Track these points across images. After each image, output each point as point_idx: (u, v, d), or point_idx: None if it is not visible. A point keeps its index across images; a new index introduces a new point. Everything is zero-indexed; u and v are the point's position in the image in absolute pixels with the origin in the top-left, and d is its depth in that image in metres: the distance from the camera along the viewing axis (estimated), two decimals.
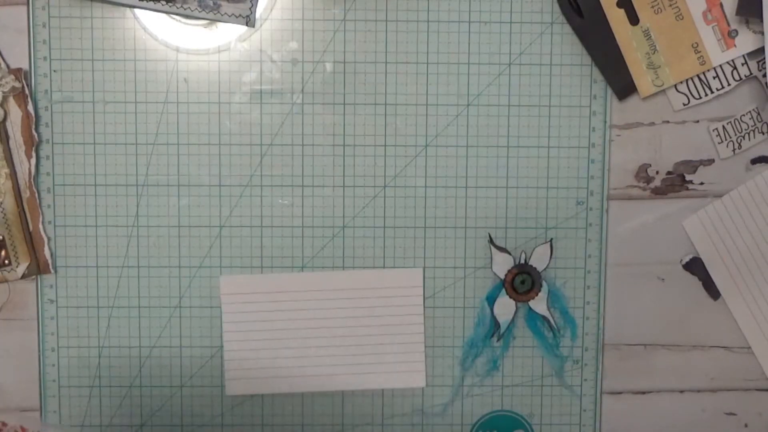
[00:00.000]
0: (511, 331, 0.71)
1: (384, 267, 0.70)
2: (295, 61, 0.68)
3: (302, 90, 0.68)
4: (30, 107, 0.66)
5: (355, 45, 0.68)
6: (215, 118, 0.68)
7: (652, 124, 0.70)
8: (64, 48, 0.67)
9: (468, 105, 0.69)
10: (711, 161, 0.70)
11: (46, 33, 0.67)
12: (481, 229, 0.70)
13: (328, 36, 0.68)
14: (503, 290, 0.70)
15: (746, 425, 0.73)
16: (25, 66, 0.67)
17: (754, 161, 0.70)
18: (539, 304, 0.70)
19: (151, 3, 0.65)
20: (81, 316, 0.69)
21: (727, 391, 0.73)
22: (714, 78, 0.68)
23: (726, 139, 0.69)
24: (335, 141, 0.69)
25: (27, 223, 0.68)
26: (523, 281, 0.70)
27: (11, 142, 0.67)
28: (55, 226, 0.68)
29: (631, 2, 0.67)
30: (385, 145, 0.69)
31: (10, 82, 0.66)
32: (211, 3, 0.65)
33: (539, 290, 0.70)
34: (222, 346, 0.70)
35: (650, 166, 0.70)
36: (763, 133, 0.69)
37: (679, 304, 0.72)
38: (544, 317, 0.70)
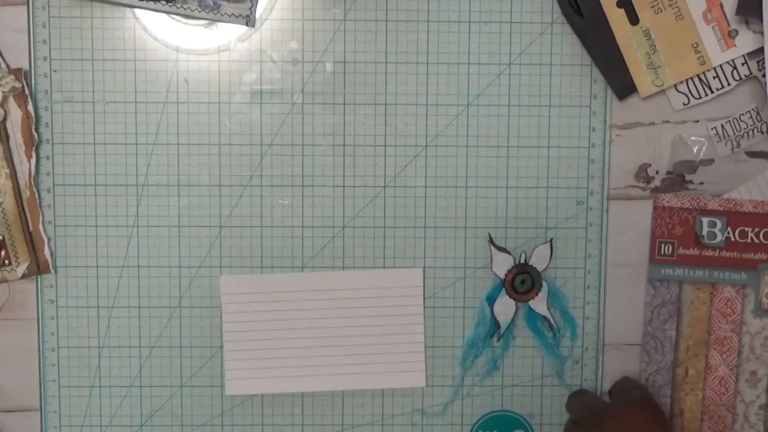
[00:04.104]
0: (511, 331, 0.71)
1: (384, 267, 0.70)
2: (295, 61, 0.68)
3: (302, 90, 0.68)
4: (30, 107, 0.67)
5: (355, 45, 0.68)
6: (215, 118, 0.68)
7: (652, 124, 0.70)
8: (64, 48, 0.67)
9: (468, 105, 0.69)
10: (711, 161, 0.70)
11: (46, 33, 0.67)
12: (481, 229, 0.70)
13: (328, 36, 0.68)
14: (503, 290, 0.70)
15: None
16: (25, 66, 0.67)
17: (752, 155, 0.70)
18: (539, 304, 0.70)
19: (151, 3, 0.65)
20: (81, 316, 0.69)
21: None
22: (714, 78, 0.69)
23: (724, 138, 0.69)
24: (335, 141, 0.69)
25: (27, 223, 0.68)
26: (523, 281, 0.70)
27: (11, 142, 0.67)
28: (55, 226, 0.68)
29: (631, 2, 0.67)
30: (385, 145, 0.69)
31: (10, 82, 0.66)
32: (211, 3, 0.65)
33: (539, 290, 0.70)
34: (222, 346, 0.70)
35: (650, 166, 0.70)
36: (762, 133, 0.69)
37: None
38: (544, 317, 0.70)
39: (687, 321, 0.70)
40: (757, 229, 0.68)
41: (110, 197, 0.68)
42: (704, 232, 0.67)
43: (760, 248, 0.68)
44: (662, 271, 0.69)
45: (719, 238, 0.68)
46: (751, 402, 0.70)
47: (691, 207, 0.68)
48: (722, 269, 0.69)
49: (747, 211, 0.68)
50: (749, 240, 0.68)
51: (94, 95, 0.67)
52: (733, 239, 0.68)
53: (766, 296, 0.69)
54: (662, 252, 0.68)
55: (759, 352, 0.70)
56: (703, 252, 0.69)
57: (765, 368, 0.70)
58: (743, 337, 0.70)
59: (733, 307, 0.69)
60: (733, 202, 0.68)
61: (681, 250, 0.68)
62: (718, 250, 0.69)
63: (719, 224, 0.67)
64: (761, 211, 0.68)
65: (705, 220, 0.67)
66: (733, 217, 0.68)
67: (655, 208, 0.69)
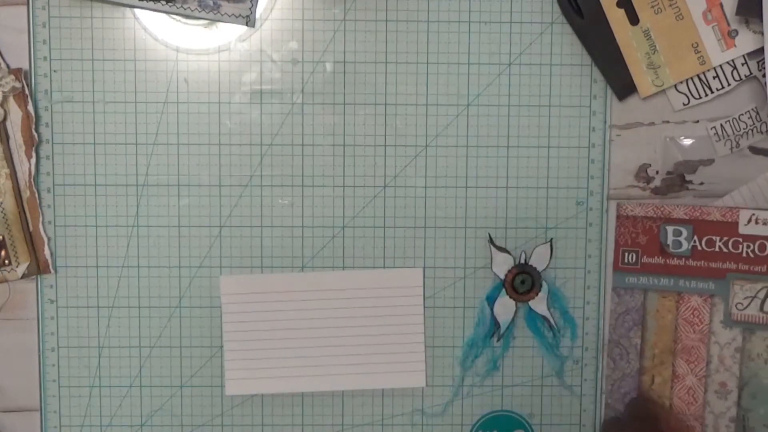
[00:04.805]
0: (511, 331, 0.71)
1: (384, 267, 0.70)
2: (295, 61, 0.68)
3: (302, 90, 0.68)
4: (30, 107, 0.67)
5: (355, 45, 0.68)
6: (215, 118, 0.68)
7: (652, 124, 0.70)
8: (64, 48, 0.67)
9: (468, 105, 0.69)
10: (711, 161, 0.70)
11: (46, 33, 0.67)
12: (481, 229, 0.70)
13: (328, 36, 0.68)
14: (503, 290, 0.70)
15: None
16: (25, 66, 0.67)
17: (754, 151, 0.70)
18: (539, 304, 0.70)
19: (151, 3, 0.65)
20: (81, 316, 0.69)
21: None
22: (714, 78, 0.69)
23: (724, 138, 0.69)
24: (335, 141, 0.69)
25: (27, 223, 0.68)
26: (523, 281, 0.70)
27: (11, 142, 0.67)
28: (55, 226, 0.68)
29: (631, 2, 0.67)
30: (385, 145, 0.69)
31: (10, 82, 0.66)
32: (211, 3, 0.65)
33: (539, 290, 0.70)
34: (222, 346, 0.70)
35: (650, 166, 0.70)
36: (762, 133, 0.69)
37: None
38: (544, 317, 0.70)
39: (653, 329, 0.69)
40: (725, 238, 0.67)
41: (110, 197, 0.68)
42: (669, 241, 0.67)
43: (728, 257, 0.67)
44: (626, 279, 0.69)
45: (685, 246, 0.67)
46: (721, 414, 0.69)
47: (655, 216, 0.67)
48: (688, 278, 0.68)
49: (714, 219, 0.67)
50: (717, 249, 0.67)
51: (94, 95, 0.67)
52: (699, 248, 0.67)
53: (736, 306, 0.68)
54: (626, 260, 0.68)
55: (729, 363, 0.69)
56: (668, 261, 0.68)
57: (735, 380, 0.69)
58: (712, 348, 0.69)
59: (700, 316, 0.68)
60: (700, 210, 0.67)
61: (645, 259, 0.68)
62: (684, 259, 0.68)
63: (685, 233, 0.67)
64: (730, 220, 0.67)
65: (670, 229, 0.67)
66: (700, 225, 0.67)
67: (618, 217, 0.69)
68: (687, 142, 0.70)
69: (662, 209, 0.67)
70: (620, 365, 0.69)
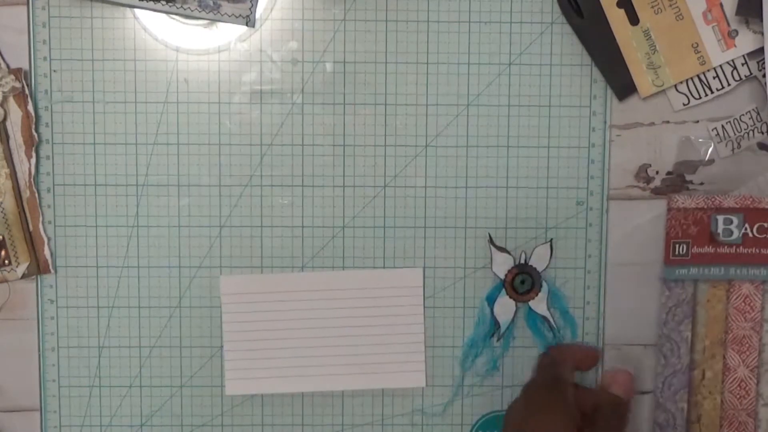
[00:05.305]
0: (511, 331, 0.71)
1: (384, 267, 0.70)
2: (295, 61, 0.68)
3: (302, 90, 0.68)
4: (30, 107, 0.67)
5: (355, 45, 0.68)
6: (215, 118, 0.68)
7: (652, 124, 0.70)
8: (64, 48, 0.67)
9: (468, 105, 0.69)
10: (711, 161, 0.70)
11: (46, 33, 0.67)
12: (481, 229, 0.70)
13: (328, 36, 0.68)
14: (503, 290, 0.70)
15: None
16: (25, 66, 0.67)
17: (762, 147, 0.69)
18: (539, 304, 0.70)
19: (151, 3, 0.65)
20: (81, 316, 0.69)
21: None
22: (714, 78, 0.68)
23: (725, 139, 0.69)
24: (335, 141, 0.69)
25: (27, 223, 0.68)
26: (523, 281, 0.70)
27: (11, 142, 0.67)
28: (55, 226, 0.68)
29: (631, 2, 0.67)
30: (385, 145, 0.69)
31: (10, 82, 0.66)
32: (211, 3, 0.65)
33: (539, 290, 0.70)
34: (222, 346, 0.70)
35: (650, 166, 0.70)
36: (763, 133, 0.69)
37: None
38: (544, 317, 0.70)
39: (703, 321, 0.68)
40: None
41: (110, 197, 0.68)
42: (719, 230, 0.66)
43: None
44: (677, 272, 0.68)
45: (736, 234, 0.66)
46: None
47: (705, 206, 0.67)
48: (740, 266, 0.67)
49: (766, 207, 0.66)
50: None
51: (94, 95, 0.67)
52: (751, 235, 0.66)
53: None
54: (676, 252, 0.67)
55: None
56: (718, 249, 0.67)
57: None
58: (765, 336, 0.68)
59: (752, 303, 0.67)
60: (750, 199, 0.66)
61: (695, 249, 0.67)
62: (734, 247, 0.67)
63: (735, 221, 0.66)
64: None
65: (720, 218, 0.66)
66: (751, 213, 0.66)
67: (669, 209, 0.68)
68: (694, 142, 0.69)
69: (713, 200, 0.67)
70: (671, 361, 0.68)
